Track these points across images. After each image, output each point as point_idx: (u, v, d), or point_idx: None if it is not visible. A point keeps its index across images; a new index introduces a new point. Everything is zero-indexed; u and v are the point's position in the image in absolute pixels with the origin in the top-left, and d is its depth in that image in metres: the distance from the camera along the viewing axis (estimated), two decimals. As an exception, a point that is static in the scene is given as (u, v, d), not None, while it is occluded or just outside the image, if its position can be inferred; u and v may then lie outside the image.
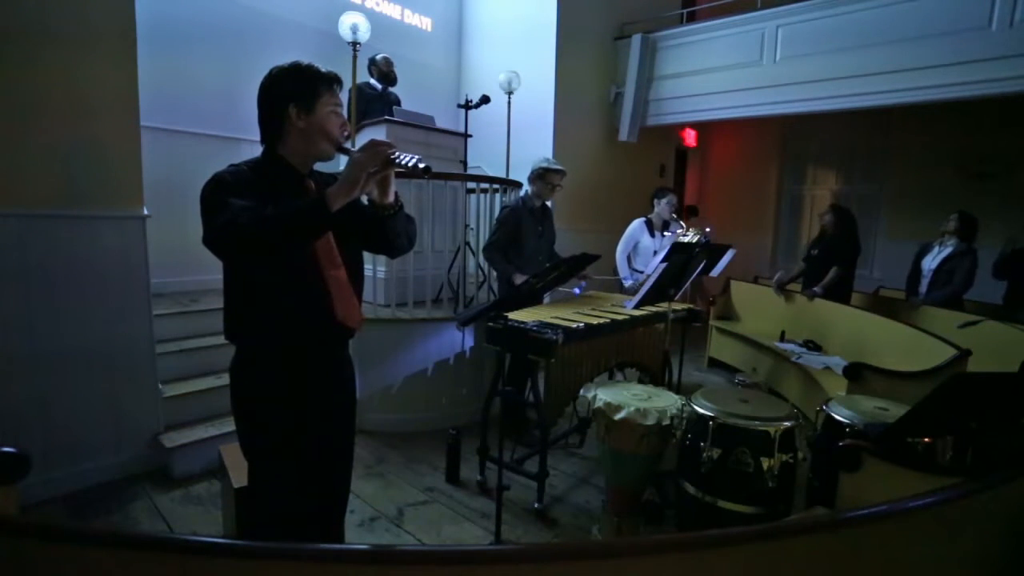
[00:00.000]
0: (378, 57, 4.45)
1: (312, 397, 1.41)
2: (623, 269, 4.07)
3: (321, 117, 1.33)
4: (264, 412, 1.38)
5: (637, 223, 4.09)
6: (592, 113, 5.90)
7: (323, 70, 1.36)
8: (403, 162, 1.20)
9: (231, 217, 1.14)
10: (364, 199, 1.34)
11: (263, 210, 1.16)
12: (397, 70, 4.58)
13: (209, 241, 1.16)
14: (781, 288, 4.71)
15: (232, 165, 1.34)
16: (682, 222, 4.07)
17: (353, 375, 1.56)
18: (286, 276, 1.31)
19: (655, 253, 3.92)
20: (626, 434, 2.14)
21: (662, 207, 4.02)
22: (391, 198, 1.34)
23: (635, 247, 4.07)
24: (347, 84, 3.66)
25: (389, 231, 1.39)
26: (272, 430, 1.38)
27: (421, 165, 1.20)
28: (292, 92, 1.32)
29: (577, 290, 3.39)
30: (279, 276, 1.30)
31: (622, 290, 3.93)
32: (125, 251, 2.65)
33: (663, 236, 4.03)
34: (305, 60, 1.37)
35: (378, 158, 1.19)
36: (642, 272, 3.92)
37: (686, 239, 3.79)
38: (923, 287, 4.25)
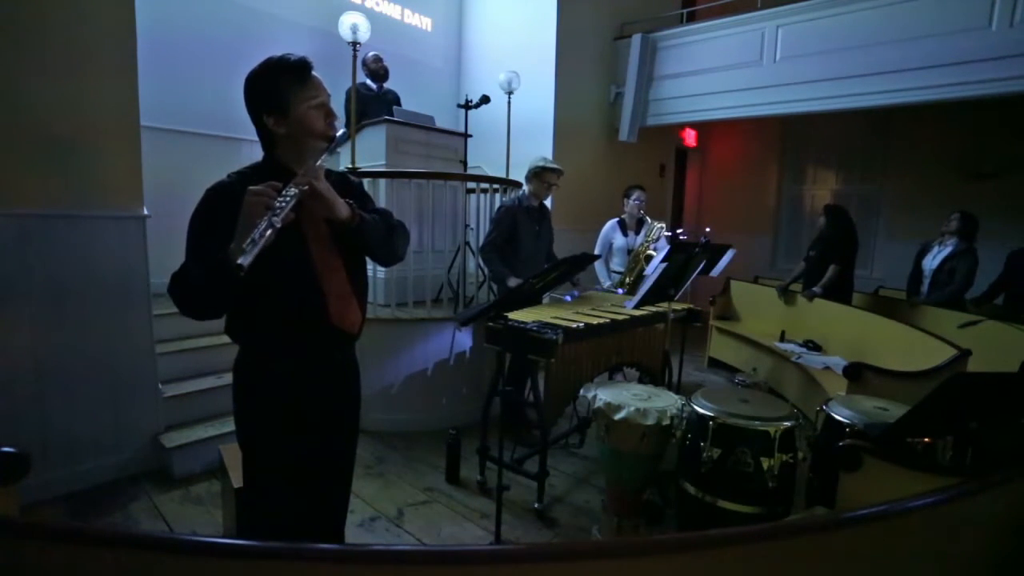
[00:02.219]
0: (366, 57, 4.44)
1: (310, 399, 1.40)
2: (600, 272, 4.08)
3: (299, 117, 1.25)
4: (261, 411, 1.37)
5: (610, 224, 4.08)
6: (592, 113, 5.90)
7: (288, 61, 1.25)
8: (279, 215, 1.09)
9: (174, 278, 1.20)
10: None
11: (188, 270, 1.20)
12: (397, 70, 4.58)
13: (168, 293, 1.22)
14: (784, 292, 4.72)
15: (230, 175, 1.31)
16: (648, 218, 4.06)
17: (357, 379, 1.54)
18: (278, 277, 1.27)
19: (629, 252, 3.93)
20: (626, 434, 2.14)
21: (631, 205, 4.00)
22: (340, 215, 1.25)
23: (610, 248, 4.07)
24: (347, 85, 3.67)
25: (359, 244, 1.35)
26: (268, 430, 1.37)
27: (278, 215, 1.09)
28: (263, 101, 1.26)
29: (568, 297, 3.38)
30: (271, 277, 1.25)
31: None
32: (125, 251, 2.65)
33: (636, 234, 4.03)
34: (277, 54, 1.27)
35: (256, 215, 1.09)
36: (620, 272, 3.95)
37: (656, 232, 3.82)
38: (924, 287, 4.26)
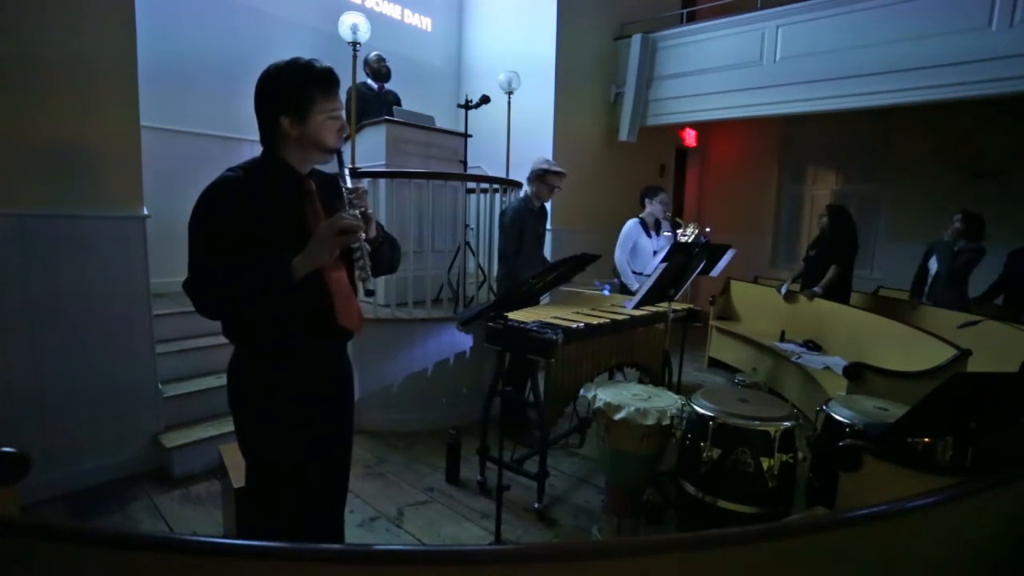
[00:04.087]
0: (369, 56, 4.44)
1: (309, 397, 1.41)
2: (626, 273, 3.93)
3: (315, 127, 1.28)
4: (261, 411, 1.38)
5: (633, 224, 3.98)
6: (592, 113, 5.90)
7: (318, 68, 1.28)
8: (366, 243, 1.26)
9: (206, 280, 1.24)
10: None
11: (233, 276, 1.20)
12: (398, 70, 4.57)
13: (187, 293, 1.26)
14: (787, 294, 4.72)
15: (230, 169, 1.31)
16: (678, 219, 4.03)
17: (351, 375, 1.56)
18: None
19: (654, 253, 3.88)
20: (626, 434, 2.14)
21: (655, 206, 3.94)
22: (372, 234, 1.34)
23: (633, 248, 3.96)
24: (346, 84, 3.67)
25: (373, 260, 1.40)
26: (269, 429, 1.37)
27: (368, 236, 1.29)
28: (285, 102, 1.27)
29: (607, 289, 3.35)
30: None
31: (623, 291, 3.89)
32: (125, 251, 2.65)
33: (658, 235, 3.99)
34: (303, 57, 1.30)
35: (342, 243, 1.23)
36: (642, 274, 3.89)
37: (685, 237, 3.77)
38: (928, 288, 4.26)
